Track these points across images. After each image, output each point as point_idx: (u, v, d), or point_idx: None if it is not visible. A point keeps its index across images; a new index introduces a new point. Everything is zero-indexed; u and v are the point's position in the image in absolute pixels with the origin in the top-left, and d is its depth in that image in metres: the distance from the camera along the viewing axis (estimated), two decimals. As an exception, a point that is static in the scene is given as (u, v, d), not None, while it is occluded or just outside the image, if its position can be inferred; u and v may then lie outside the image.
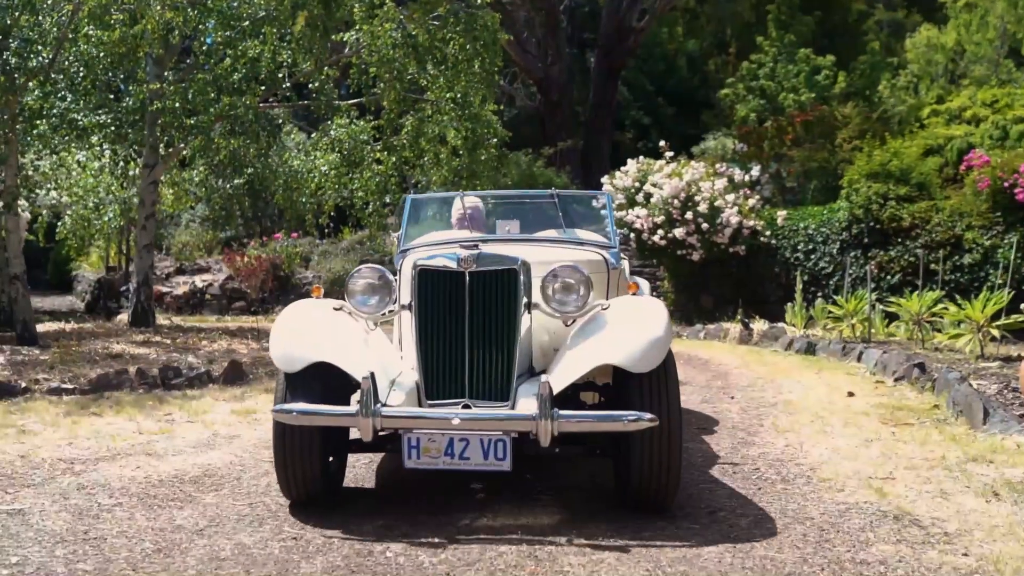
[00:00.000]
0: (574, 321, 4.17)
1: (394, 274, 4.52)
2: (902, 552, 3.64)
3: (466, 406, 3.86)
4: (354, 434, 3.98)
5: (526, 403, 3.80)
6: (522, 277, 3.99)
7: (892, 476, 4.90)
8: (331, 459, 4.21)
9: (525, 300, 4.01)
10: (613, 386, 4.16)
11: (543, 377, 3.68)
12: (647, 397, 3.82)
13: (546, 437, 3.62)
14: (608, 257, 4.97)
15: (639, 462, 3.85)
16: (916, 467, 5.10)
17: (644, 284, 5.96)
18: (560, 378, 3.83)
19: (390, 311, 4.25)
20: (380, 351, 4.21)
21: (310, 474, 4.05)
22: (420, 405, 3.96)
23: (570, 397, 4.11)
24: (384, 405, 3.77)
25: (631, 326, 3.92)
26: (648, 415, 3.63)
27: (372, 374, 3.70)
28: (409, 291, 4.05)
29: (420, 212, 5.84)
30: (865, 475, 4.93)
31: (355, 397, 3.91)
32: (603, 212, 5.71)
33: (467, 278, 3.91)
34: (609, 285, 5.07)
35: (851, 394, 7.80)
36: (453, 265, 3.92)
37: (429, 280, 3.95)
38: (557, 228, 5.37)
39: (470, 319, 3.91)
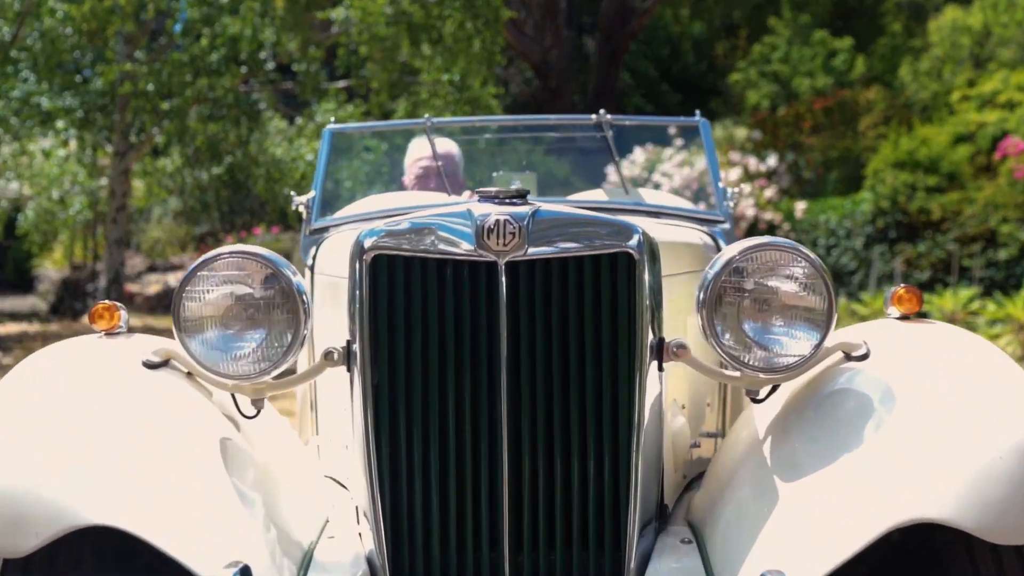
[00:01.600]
0: (774, 389, 1.97)
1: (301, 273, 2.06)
2: None
3: None
4: None
5: None
6: (647, 276, 1.82)
7: (952, 487, 4.70)
8: None
9: (652, 336, 1.85)
10: None
11: None
12: None
13: None
14: (718, 241, 2.78)
15: None
16: (977, 477, 4.90)
17: None
18: (800, 565, 1.69)
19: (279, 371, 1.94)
20: (271, 479, 1.97)
21: None
22: None
23: None
24: None
25: (953, 420, 1.76)
26: None
27: (244, 569, 1.58)
28: (348, 314, 1.86)
29: (352, 156, 3.26)
30: (922, 486, 4.73)
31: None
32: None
33: (502, 275, 1.76)
34: None
35: (889, 398, 7.63)
36: (468, 245, 1.76)
37: (404, 283, 1.80)
38: (609, 186, 3.07)
39: (510, 381, 1.78)
